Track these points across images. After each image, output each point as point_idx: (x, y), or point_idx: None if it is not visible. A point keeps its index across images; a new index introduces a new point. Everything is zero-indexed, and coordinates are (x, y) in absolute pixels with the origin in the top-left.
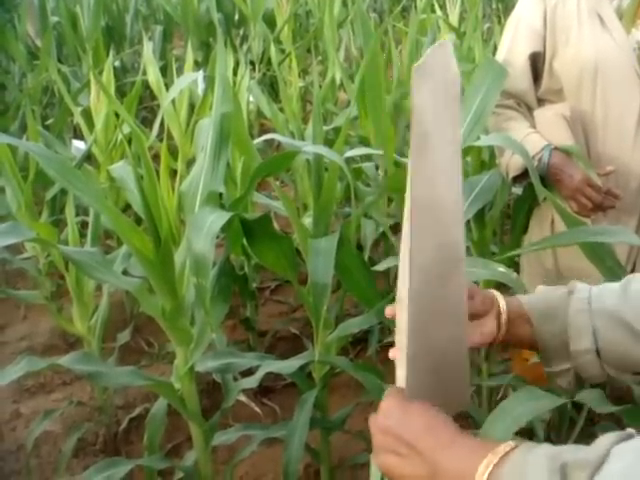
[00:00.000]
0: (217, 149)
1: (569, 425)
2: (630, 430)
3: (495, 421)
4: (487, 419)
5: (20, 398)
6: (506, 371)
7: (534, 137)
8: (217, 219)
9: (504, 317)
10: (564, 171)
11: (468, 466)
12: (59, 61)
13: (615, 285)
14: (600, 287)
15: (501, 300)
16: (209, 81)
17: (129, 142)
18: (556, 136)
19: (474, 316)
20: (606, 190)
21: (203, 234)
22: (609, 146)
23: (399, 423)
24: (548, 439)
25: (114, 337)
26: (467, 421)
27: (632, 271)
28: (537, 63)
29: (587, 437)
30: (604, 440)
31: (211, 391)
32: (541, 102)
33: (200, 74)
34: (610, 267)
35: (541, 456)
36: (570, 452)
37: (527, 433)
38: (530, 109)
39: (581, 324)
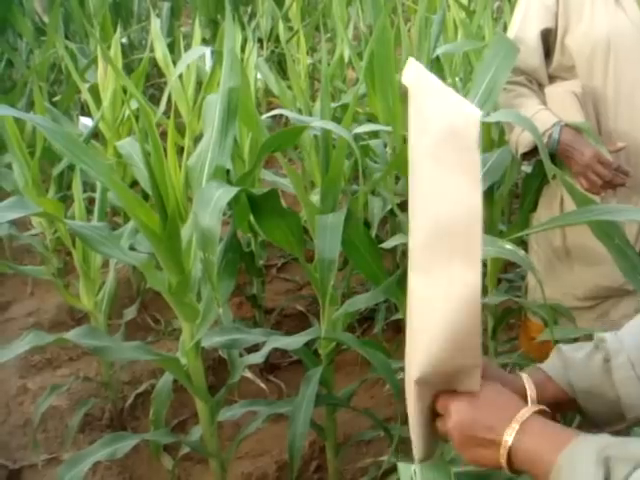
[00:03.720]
0: (224, 124)
1: None
2: None
3: None
4: None
5: (27, 373)
6: (513, 349)
7: (544, 114)
8: (224, 194)
9: None
10: (574, 148)
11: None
12: (66, 38)
13: None
14: (634, 341)
15: (530, 392)
16: (217, 57)
17: (136, 118)
18: (567, 113)
19: None
20: (616, 167)
21: (210, 208)
22: (620, 123)
23: (469, 416)
24: (554, 420)
25: (120, 313)
26: None
27: None
28: (549, 40)
29: None
30: None
31: (217, 368)
32: (552, 79)
33: (208, 50)
34: (618, 245)
35: (591, 448)
36: (618, 445)
37: None
38: (541, 86)
39: (633, 394)
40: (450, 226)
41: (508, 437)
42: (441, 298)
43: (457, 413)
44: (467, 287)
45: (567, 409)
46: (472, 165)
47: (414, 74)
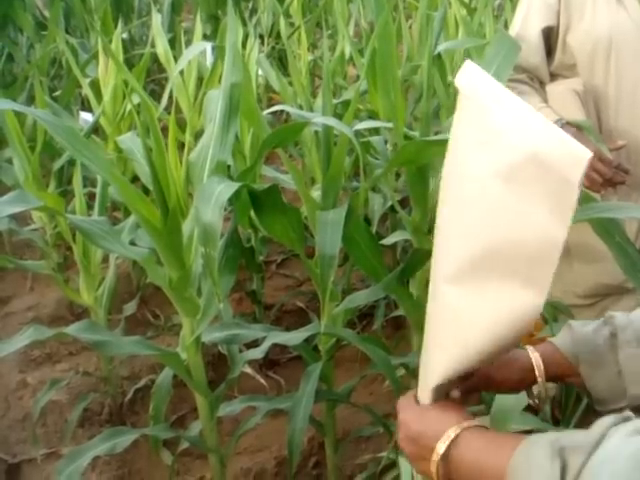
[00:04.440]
0: (226, 119)
1: (575, 401)
2: (628, 413)
3: (505, 396)
4: (497, 395)
5: (27, 368)
6: None
7: (546, 112)
8: (225, 189)
9: (540, 380)
10: None
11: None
12: (67, 32)
13: None
14: None
15: (537, 369)
16: (218, 53)
17: (138, 113)
18: (568, 111)
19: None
20: (616, 165)
21: (211, 204)
22: (621, 121)
23: (416, 426)
24: (553, 415)
25: (120, 308)
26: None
27: None
28: (550, 38)
29: (592, 413)
30: (601, 423)
31: (217, 363)
32: (554, 77)
33: (209, 45)
34: (619, 243)
35: (544, 442)
36: (569, 436)
37: (534, 408)
38: (542, 84)
39: (636, 370)
40: (519, 252)
41: (442, 444)
42: (483, 312)
43: (405, 424)
44: (529, 308)
45: (573, 383)
46: (567, 204)
47: (471, 79)
